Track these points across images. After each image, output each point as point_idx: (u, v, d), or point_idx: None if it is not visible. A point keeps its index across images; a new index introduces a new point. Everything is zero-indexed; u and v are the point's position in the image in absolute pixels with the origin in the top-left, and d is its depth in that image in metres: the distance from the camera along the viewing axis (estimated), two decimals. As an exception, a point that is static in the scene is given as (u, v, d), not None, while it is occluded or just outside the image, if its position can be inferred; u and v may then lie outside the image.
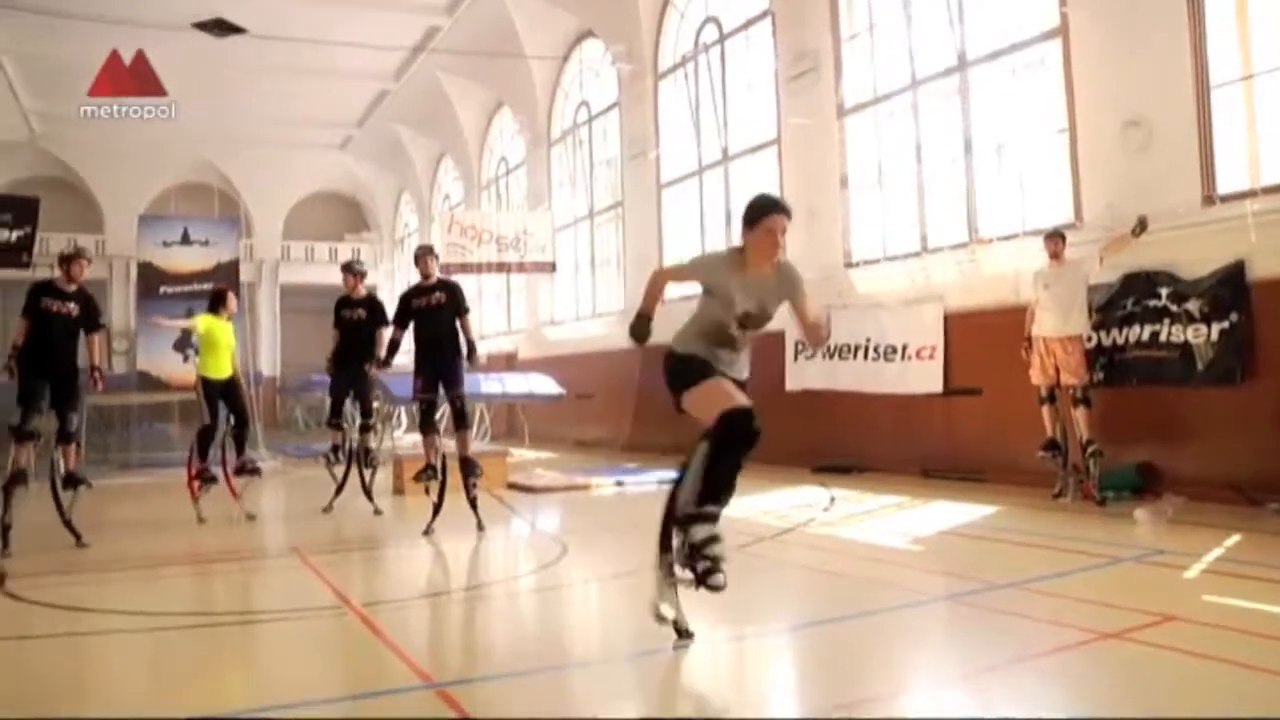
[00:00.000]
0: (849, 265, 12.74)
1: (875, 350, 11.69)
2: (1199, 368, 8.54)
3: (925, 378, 10.83)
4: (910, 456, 11.03)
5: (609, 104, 19.10)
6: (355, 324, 9.80)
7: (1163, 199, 8.79)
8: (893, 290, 11.83)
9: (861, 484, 10.61)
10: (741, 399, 4.40)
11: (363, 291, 10.05)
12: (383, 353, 9.23)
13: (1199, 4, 8.73)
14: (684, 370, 4.54)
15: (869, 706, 3.79)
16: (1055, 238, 8.97)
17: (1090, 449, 8.57)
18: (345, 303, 9.94)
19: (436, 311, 8.54)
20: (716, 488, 4.36)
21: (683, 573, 4.38)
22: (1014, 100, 10.80)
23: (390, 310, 9.16)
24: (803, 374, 12.65)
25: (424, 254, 8.80)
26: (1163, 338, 8.85)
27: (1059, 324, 8.78)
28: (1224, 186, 8.60)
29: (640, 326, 4.70)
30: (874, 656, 4.55)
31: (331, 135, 30.09)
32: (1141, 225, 8.57)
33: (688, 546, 4.30)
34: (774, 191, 13.93)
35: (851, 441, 11.86)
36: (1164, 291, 8.85)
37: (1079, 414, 8.68)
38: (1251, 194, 8.29)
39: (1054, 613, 5.03)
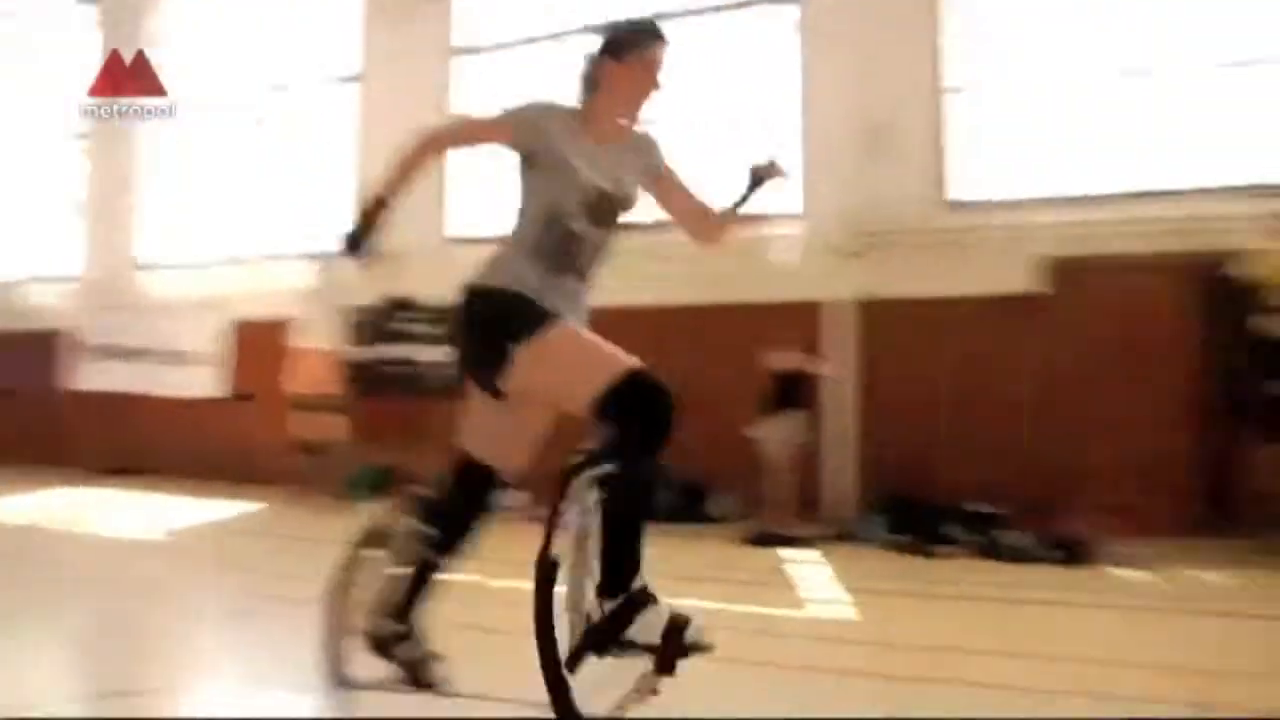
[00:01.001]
0: (138, 268, 12.88)
1: (164, 354, 11.93)
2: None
3: (208, 382, 11.29)
4: (197, 458, 11.35)
5: None
6: None
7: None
8: (182, 296, 12.12)
9: (148, 485, 10.82)
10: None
11: None
12: None
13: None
14: (508, 313, 2.84)
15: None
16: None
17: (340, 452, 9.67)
18: None
19: None
20: (634, 539, 2.67)
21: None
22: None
23: None
24: (94, 375, 12.48)
25: None
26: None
27: (321, 338, 9.86)
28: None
29: (367, 220, 2.88)
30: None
31: None
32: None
33: (644, 648, 2.60)
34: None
35: (143, 443, 11.94)
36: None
37: (333, 420, 9.76)
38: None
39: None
